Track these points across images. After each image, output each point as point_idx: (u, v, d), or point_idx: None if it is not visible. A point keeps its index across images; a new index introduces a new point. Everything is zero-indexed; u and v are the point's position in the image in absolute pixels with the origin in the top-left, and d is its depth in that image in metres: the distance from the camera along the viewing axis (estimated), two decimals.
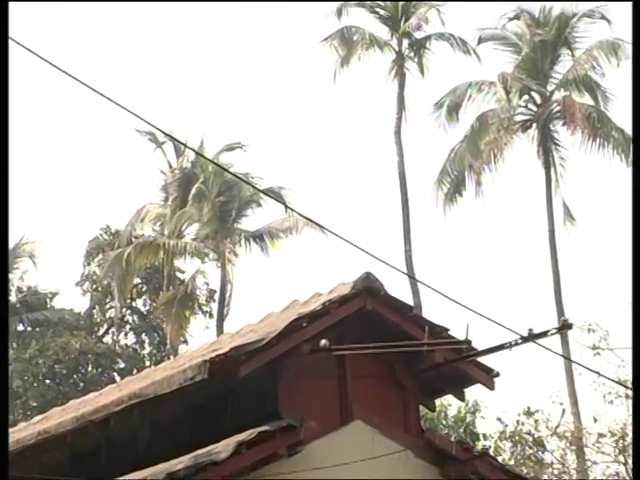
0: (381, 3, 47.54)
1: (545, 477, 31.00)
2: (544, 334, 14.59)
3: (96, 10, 74.43)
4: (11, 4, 12.86)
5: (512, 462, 30.26)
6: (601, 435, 31.80)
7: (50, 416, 18.58)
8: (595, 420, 32.20)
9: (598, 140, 43.25)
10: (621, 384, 29.34)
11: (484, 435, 33.26)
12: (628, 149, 42.69)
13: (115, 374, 48.19)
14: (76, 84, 10.18)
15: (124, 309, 53.83)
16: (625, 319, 32.57)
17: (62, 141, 78.35)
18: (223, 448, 13.92)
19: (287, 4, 72.22)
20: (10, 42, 10.40)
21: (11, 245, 55.68)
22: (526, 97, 45.11)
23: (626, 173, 42.79)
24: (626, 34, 45.51)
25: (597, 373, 28.15)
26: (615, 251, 59.97)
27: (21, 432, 18.47)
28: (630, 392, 30.01)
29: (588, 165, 57.56)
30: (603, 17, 44.63)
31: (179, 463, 13.94)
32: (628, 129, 43.20)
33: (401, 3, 47.10)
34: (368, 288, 14.94)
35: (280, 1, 60.17)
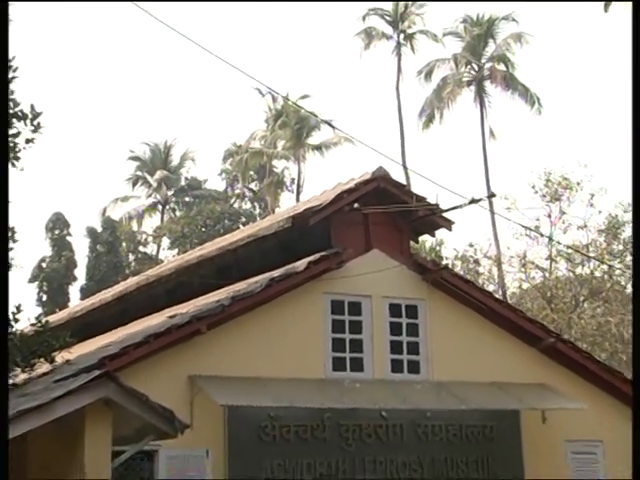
0: (387, 12, 46.93)
1: (480, 281, 31.02)
2: (480, 200, 14.48)
3: None
4: None
5: (461, 272, 30.23)
6: (511, 257, 31.77)
7: (204, 247, 18.66)
8: (508, 248, 32.16)
9: (510, 90, 42.88)
10: (522, 226, 29.26)
11: (446, 257, 33.30)
12: (527, 95, 42.46)
13: (240, 225, 48.24)
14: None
15: (246, 189, 54.10)
16: (524, 192, 32.59)
17: (210, 94, 77.84)
18: (300, 264, 13.94)
19: (337, 13, 72.04)
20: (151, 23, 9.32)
21: (181, 152, 55.76)
22: (469, 67, 44.52)
23: (524, 107, 42.64)
24: (527, 29, 45.01)
25: (509, 220, 28.19)
26: (518, 153, 59.50)
27: (189, 256, 18.59)
28: (526, 231, 29.95)
29: (504, 105, 57.27)
30: (514, 19, 44.14)
31: (276, 273, 13.99)
32: (528, 84, 42.93)
33: (399, 13, 46.58)
34: (381, 175, 14.81)
35: (334, 1, 60.10)
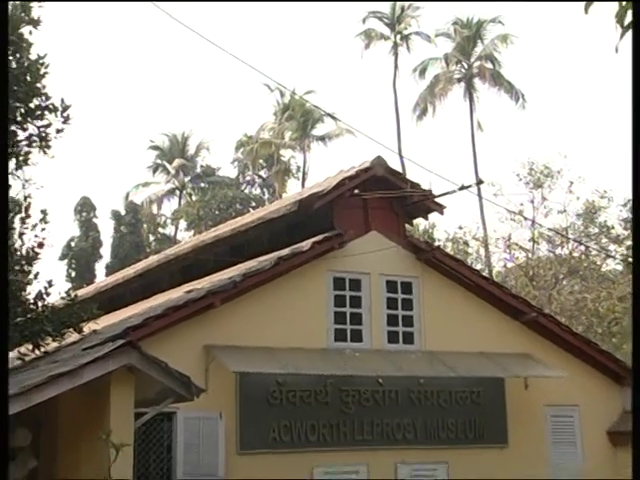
0: (385, 15, 46.72)
1: (469, 260, 30.98)
2: (469, 186, 14.45)
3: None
4: None
5: (452, 253, 30.19)
6: (497, 239, 31.74)
7: (217, 229, 18.59)
8: (494, 231, 32.12)
9: (496, 87, 42.74)
10: (507, 210, 29.22)
11: (438, 239, 33.25)
12: (512, 91, 42.35)
13: (251, 209, 48.09)
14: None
15: (256, 176, 53.87)
16: (509, 179, 32.51)
17: (224, 89, 77.57)
18: (306, 244, 13.91)
19: (340, 16, 71.61)
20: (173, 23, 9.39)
21: (197, 142, 55.53)
22: (459, 65, 44.34)
23: (509, 102, 42.55)
24: (513, 31, 44.81)
25: (495, 205, 28.12)
26: (504, 144, 59.41)
27: (204, 236, 18.54)
28: (511, 215, 29.86)
29: (491, 100, 56.94)
30: (500, 22, 44.01)
31: (283, 252, 13.97)
32: (513, 81, 42.82)
33: (396, 15, 46.38)
34: (379, 164, 14.75)
35: (337, 1, 59.98)
